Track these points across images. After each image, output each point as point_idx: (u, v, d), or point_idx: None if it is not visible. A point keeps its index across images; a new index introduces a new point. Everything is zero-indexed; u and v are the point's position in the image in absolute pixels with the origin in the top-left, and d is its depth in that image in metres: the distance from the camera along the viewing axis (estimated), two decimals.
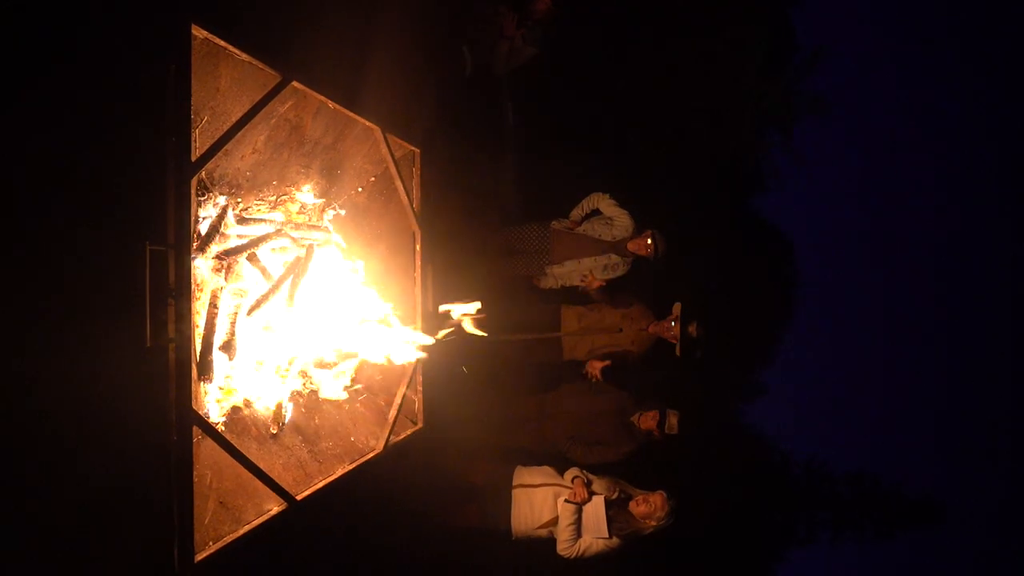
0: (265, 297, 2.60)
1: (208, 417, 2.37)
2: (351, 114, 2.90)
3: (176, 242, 1.95)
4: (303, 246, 2.82)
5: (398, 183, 3.28)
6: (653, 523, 4.07)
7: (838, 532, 15.71)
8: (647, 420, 4.51)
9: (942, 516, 15.30)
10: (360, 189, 3.32)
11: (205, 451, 2.22)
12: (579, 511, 4.04)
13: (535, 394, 4.93)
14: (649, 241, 4.74)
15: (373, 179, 3.34)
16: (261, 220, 2.70)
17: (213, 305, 2.35)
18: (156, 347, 1.91)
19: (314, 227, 2.96)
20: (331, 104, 2.77)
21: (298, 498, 2.45)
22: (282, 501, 2.37)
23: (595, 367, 4.75)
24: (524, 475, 4.32)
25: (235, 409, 2.59)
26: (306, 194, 3.00)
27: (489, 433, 4.72)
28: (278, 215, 2.86)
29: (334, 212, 3.16)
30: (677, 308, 4.70)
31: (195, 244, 2.25)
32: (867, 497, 15.57)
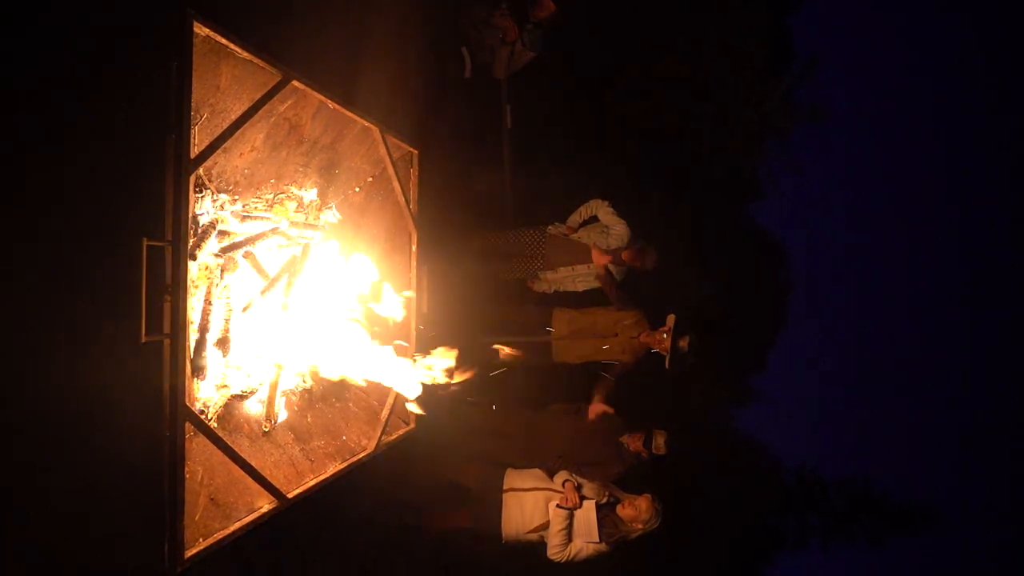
0: (261, 295, 2.60)
1: (201, 413, 2.38)
2: (350, 114, 2.91)
3: (173, 238, 1.96)
4: (300, 244, 2.83)
5: (395, 184, 3.29)
6: (640, 526, 4.08)
7: (828, 537, 15.77)
8: (634, 441, 4.51)
9: (931, 522, 15.38)
10: (358, 189, 3.32)
11: (197, 447, 2.23)
12: (570, 516, 4.04)
13: (524, 408, 4.92)
14: (635, 254, 4.72)
15: (371, 179, 3.35)
16: (258, 218, 2.70)
17: (208, 302, 2.35)
18: (151, 342, 1.92)
19: (311, 226, 2.97)
20: (330, 104, 2.77)
21: (289, 496, 2.45)
22: (273, 499, 2.38)
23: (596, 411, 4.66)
24: (515, 478, 4.32)
25: (228, 406, 2.60)
26: (304, 193, 3.00)
27: (480, 438, 4.72)
28: (275, 213, 2.87)
29: (331, 212, 3.16)
30: (671, 320, 4.67)
31: (192, 241, 2.25)
32: (857, 503, 15.63)
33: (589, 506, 4.05)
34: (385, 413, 3.12)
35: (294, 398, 2.92)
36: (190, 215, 2.14)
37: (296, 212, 2.96)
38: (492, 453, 4.69)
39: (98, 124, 1.98)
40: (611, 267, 4.81)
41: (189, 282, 2.13)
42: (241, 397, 2.65)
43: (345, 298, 2.96)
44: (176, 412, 1.94)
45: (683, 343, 4.63)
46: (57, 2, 1.92)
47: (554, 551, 4.07)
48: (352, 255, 3.10)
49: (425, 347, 3.15)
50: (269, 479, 2.36)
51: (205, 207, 2.43)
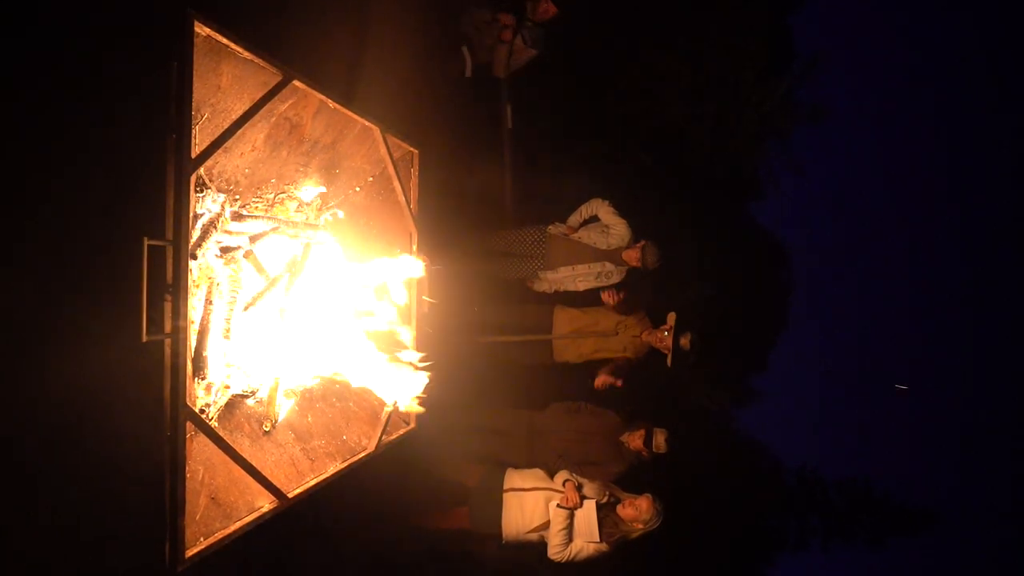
0: (261, 294, 2.61)
1: (202, 412, 2.38)
2: (351, 114, 2.91)
3: (174, 238, 1.96)
4: (300, 244, 2.83)
5: (396, 184, 3.29)
6: (640, 526, 4.08)
7: (829, 538, 15.77)
8: (635, 440, 4.51)
9: (932, 522, 15.38)
10: (358, 189, 3.33)
11: (198, 447, 2.23)
12: (571, 516, 4.04)
13: (525, 407, 4.92)
14: (638, 253, 4.73)
15: (371, 179, 3.35)
16: (259, 218, 2.71)
17: (209, 301, 2.36)
18: (151, 342, 1.92)
19: (311, 226, 2.97)
20: (331, 103, 2.78)
21: (290, 496, 2.45)
22: (274, 498, 2.38)
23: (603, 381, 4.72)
24: (515, 478, 4.32)
25: (229, 405, 2.60)
26: (304, 193, 3.00)
27: (480, 437, 4.72)
28: (276, 213, 2.87)
29: (332, 212, 3.17)
30: (672, 318, 4.68)
31: (193, 240, 2.25)
32: (858, 503, 15.64)
33: (590, 506, 4.05)
34: (385, 412, 3.12)
35: (295, 397, 2.92)
36: (191, 214, 2.14)
37: (296, 212, 2.97)
38: (492, 453, 4.70)
39: (99, 124, 1.99)
40: (604, 275, 4.84)
41: (190, 282, 2.13)
42: (242, 396, 2.65)
43: (350, 300, 2.95)
44: (177, 411, 1.94)
45: (685, 341, 4.65)
46: (57, 2, 1.92)
47: (554, 551, 4.07)
48: (357, 256, 3.10)
49: (425, 348, 3.15)
50: (270, 478, 2.36)
51: (206, 206, 2.43)
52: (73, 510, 1.93)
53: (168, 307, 1.96)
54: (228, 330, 2.42)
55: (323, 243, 2.98)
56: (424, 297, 3.25)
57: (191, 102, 1.98)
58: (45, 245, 1.87)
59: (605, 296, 4.72)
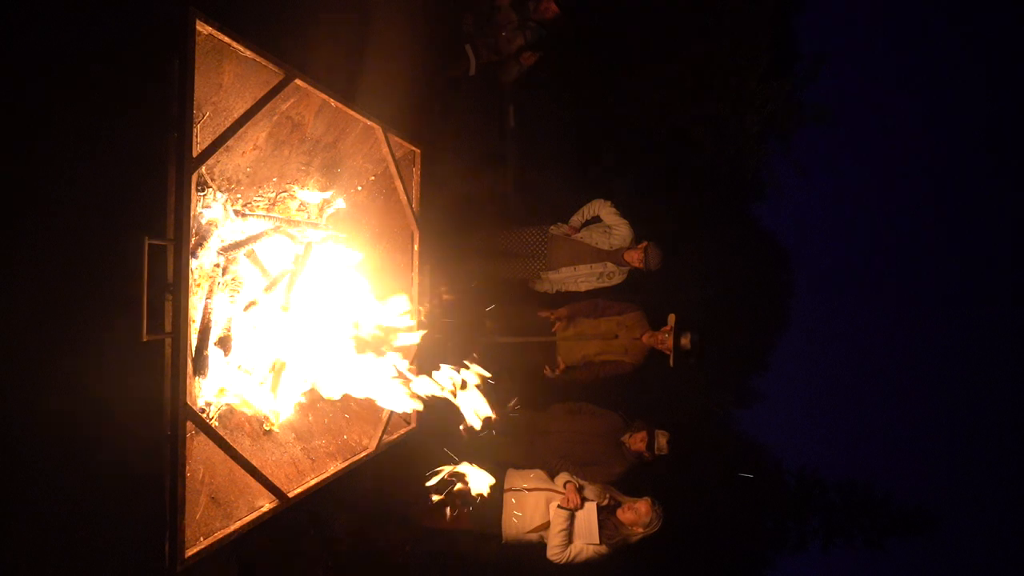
0: (263, 293, 2.60)
1: (202, 412, 2.37)
2: (352, 113, 2.91)
3: (175, 237, 1.95)
4: (301, 243, 2.83)
5: (398, 183, 3.29)
6: (640, 530, 4.08)
7: (829, 540, 15.75)
8: (636, 442, 4.51)
9: (931, 525, 15.36)
10: (360, 188, 3.32)
11: (198, 446, 2.22)
12: (571, 517, 4.04)
13: (526, 408, 4.91)
14: (640, 254, 4.73)
15: (373, 178, 3.35)
16: (260, 217, 2.70)
17: (210, 300, 2.35)
18: (152, 341, 1.91)
19: (313, 225, 2.97)
20: (333, 102, 2.77)
21: (290, 495, 2.45)
22: (274, 498, 2.37)
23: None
24: (516, 478, 4.31)
25: (229, 405, 2.59)
26: (306, 192, 3.00)
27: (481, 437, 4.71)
28: (277, 212, 2.86)
29: (333, 210, 3.16)
30: (672, 319, 4.69)
31: (194, 239, 2.25)
32: (858, 505, 15.62)
33: (590, 508, 4.05)
34: (386, 412, 3.11)
35: (295, 396, 2.92)
36: (192, 214, 2.13)
37: (298, 211, 2.96)
38: (493, 452, 4.69)
39: (100, 122, 1.98)
40: (606, 276, 4.87)
41: (191, 281, 2.13)
42: (242, 395, 2.64)
43: (350, 309, 2.94)
44: (177, 411, 1.93)
45: (685, 340, 4.65)
46: (60, 1, 1.92)
47: (554, 552, 4.07)
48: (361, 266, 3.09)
49: (426, 351, 3.15)
50: (270, 478, 2.36)
51: (207, 206, 2.43)
52: (72, 509, 1.93)
53: (169, 306, 1.96)
54: (229, 330, 2.42)
55: (324, 242, 2.97)
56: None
57: (192, 101, 1.97)
58: (46, 244, 1.87)
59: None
